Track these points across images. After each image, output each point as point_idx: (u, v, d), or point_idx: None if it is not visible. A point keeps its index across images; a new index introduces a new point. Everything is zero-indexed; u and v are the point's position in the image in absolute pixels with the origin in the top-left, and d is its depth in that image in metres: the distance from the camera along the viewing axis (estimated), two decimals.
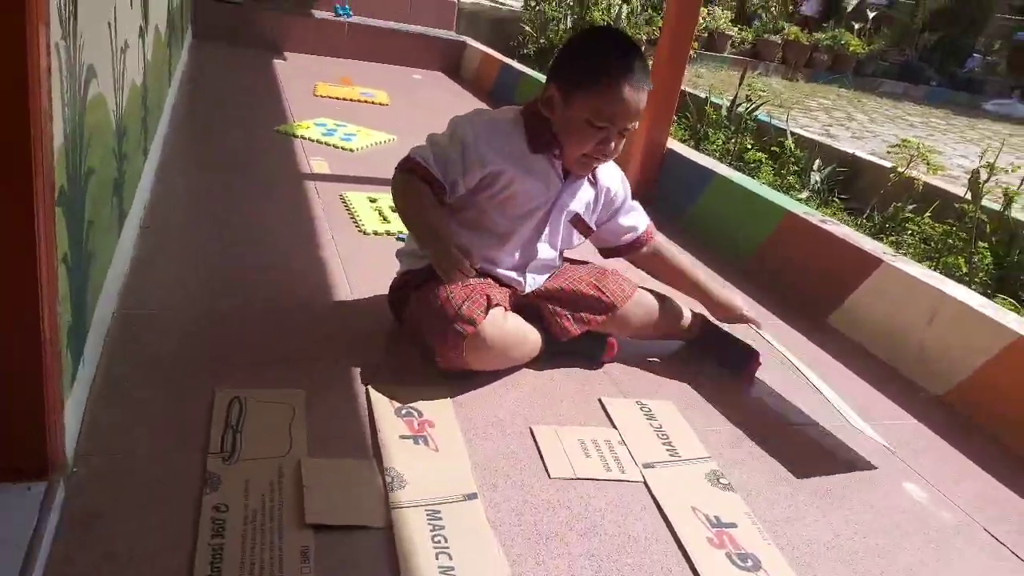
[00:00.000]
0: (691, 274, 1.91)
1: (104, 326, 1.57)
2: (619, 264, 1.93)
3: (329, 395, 1.50)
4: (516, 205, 1.67)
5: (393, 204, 1.70)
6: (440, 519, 1.21)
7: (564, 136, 1.62)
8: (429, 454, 1.37)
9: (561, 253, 1.83)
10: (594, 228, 1.82)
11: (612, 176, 1.82)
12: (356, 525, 1.18)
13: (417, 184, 1.60)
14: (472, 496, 1.29)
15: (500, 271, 1.72)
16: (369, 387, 1.53)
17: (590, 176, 1.75)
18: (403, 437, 1.40)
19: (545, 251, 1.76)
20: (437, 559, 1.14)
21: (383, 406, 1.48)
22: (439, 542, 1.17)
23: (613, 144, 1.60)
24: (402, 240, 2.19)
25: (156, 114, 2.70)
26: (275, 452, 1.31)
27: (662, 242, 1.92)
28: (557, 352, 1.74)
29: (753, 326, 1.89)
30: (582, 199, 1.76)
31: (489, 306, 1.58)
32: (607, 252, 1.92)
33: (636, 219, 1.87)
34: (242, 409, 1.40)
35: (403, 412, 1.47)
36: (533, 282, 1.76)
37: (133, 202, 2.03)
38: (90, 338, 1.42)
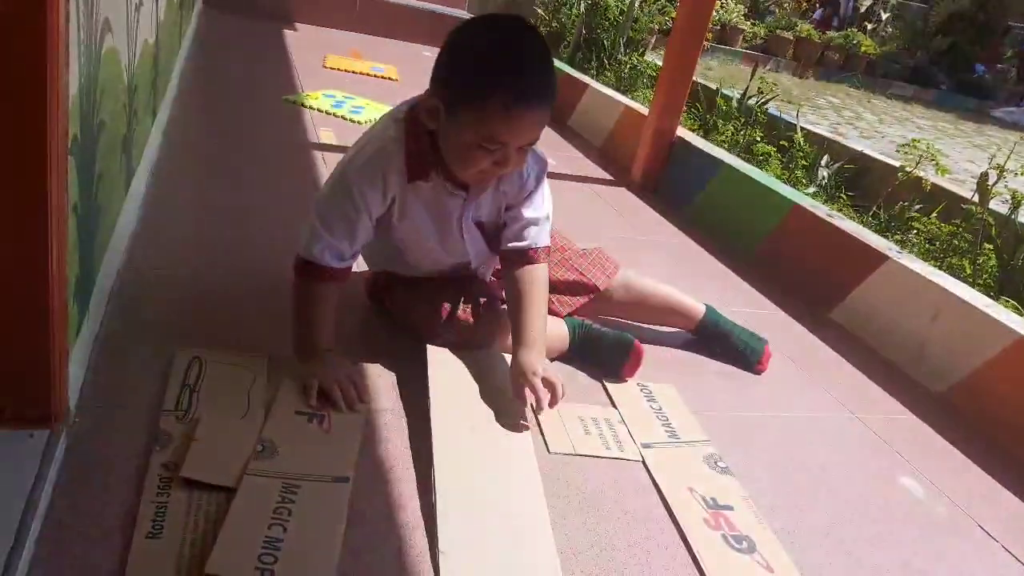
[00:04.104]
0: (526, 314, 1.51)
1: (110, 282, 1.56)
2: (603, 245, 1.87)
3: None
4: (417, 237, 1.53)
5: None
6: (294, 493, 1.13)
7: (450, 154, 1.38)
8: (317, 434, 1.29)
9: (502, 241, 1.59)
10: (499, 236, 1.58)
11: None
12: (217, 485, 1.12)
13: (319, 294, 1.43)
14: (342, 479, 1.19)
15: (448, 271, 1.63)
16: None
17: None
18: (299, 413, 1.33)
19: (477, 256, 1.61)
20: (269, 529, 1.06)
21: (290, 381, 1.40)
22: (280, 514, 1.09)
23: (513, 160, 1.36)
24: None
25: (166, 76, 2.69)
26: (230, 415, 1.28)
27: (538, 271, 1.55)
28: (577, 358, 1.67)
29: (531, 405, 1.47)
30: (492, 203, 1.55)
31: (479, 307, 1.56)
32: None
33: (530, 231, 1.55)
34: (201, 369, 1.37)
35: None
36: (485, 272, 1.69)
37: (141, 161, 2.02)
38: (95, 292, 1.42)
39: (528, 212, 1.54)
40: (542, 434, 1.43)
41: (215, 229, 1.97)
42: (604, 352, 1.67)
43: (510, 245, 1.55)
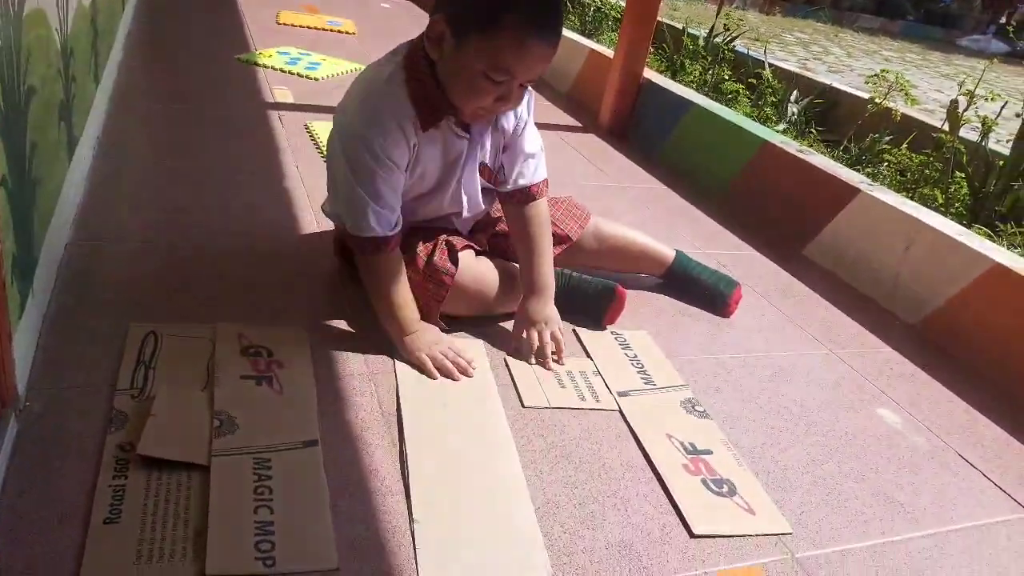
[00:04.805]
0: (535, 258, 1.54)
1: (56, 256, 1.50)
2: (573, 193, 1.83)
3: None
4: (420, 185, 1.48)
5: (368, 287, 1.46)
6: (268, 468, 1.09)
7: (453, 86, 1.32)
8: (270, 397, 1.25)
9: (492, 193, 1.61)
10: (501, 177, 1.55)
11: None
12: (183, 462, 1.08)
13: (394, 267, 1.41)
14: (312, 443, 1.16)
15: (426, 224, 1.57)
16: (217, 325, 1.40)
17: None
18: (244, 377, 1.28)
19: (471, 206, 1.56)
20: (256, 513, 1.02)
21: (229, 342, 1.36)
22: (262, 494, 1.05)
23: (514, 96, 1.33)
24: None
25: (108, 38, 2.57)
26: (189, 388, 1.23)
27: (541, 206, 1.58)
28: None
29: (533, 358, 1.49)
30: (491, 146, 1.52)
31: (455, 252, 1.50)
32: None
33: (530, 165, 1.55)
34: (157, 344, 1.32)
35: (251, 351, 1.35)
36: (466, 227, 1.64)
37: (85, 129, 1.93)
38: (40, 268, 1.35)
39: (527, 146, 1.53)
40: (516, 389, 1.40)
41: (168, 197, 1.90)
42: (588, 299, 1.65)
43: (512, 185, 1.54)
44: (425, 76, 1.34)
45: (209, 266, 1.62)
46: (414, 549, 1.03)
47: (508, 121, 1.49)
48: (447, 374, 1.39)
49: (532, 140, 1.55)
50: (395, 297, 1.41)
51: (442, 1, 1.30)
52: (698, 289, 1.83)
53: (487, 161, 1.53)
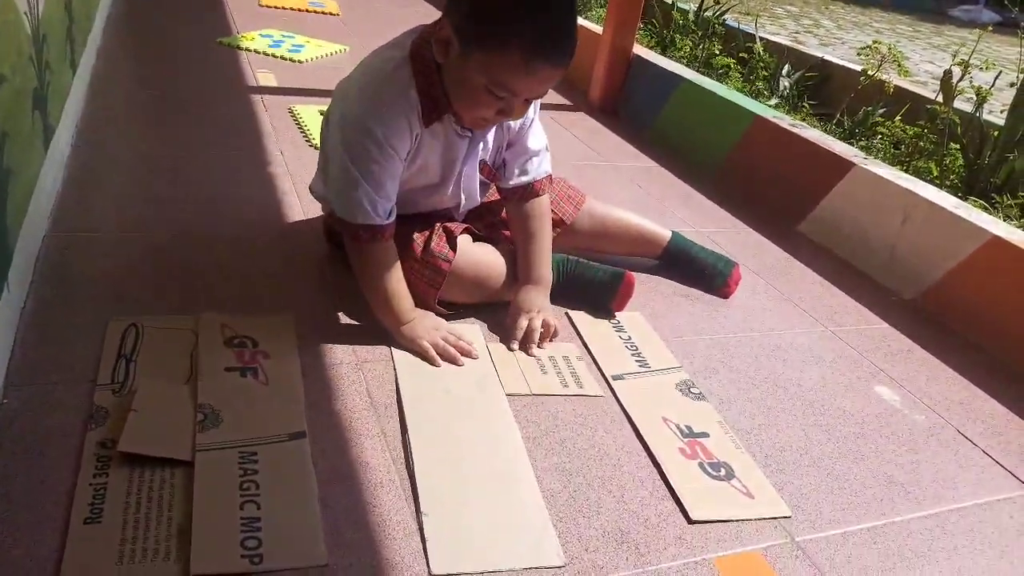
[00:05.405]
0: (534, 251, 1.54)
1: (34, 249, 1.46)
2: (565, 173, 1.80)
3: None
4: (422, 178, 1.46)
5: (359, 278, 1.42)
6: (255, 462, 1.06)
7: (456, 93, 1.30)
8: (255, 389, 1.22)
9: (488, 184, 1.60)
10: (501, 175, 1.55)
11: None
12: (166, 458, 1.05)
13: (391, 256, 1.38)
14: (299, 435, 1.13)
15: (425, 211, 1.54)
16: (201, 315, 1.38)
17: None
18: (228, 369, 1.25)
19: (467, 201, 1.56)
20: (242, 509, 0.99)
21: (213, 333, 1.33)
22: (248, 489, 1.02)
23: (517, 111, 1.30)
24: None
25: (85, 23, 2.50)
26: (171, 381, 1.20)
27: (543, 203, 1.57)
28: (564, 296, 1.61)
29: (527, 344, 1.46)
30: (492, 144, 1.51)
31: (453, 238, 1.47)
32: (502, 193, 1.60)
33: (533, 162, 1.54)
34: (138, 337, 1.28)
35: (235, 342, 1.32)
36: (460, 217, 1.61)
37: (62, 117, 1.88)
38: (16, 261, 1.31)
39: (531, 143, 1.52)
40: (497, 376, 1.37)
41: (149, 185, 1.85)
42: (595, 285, 1.61)
43: (514, 181, 1.53)
44: (431, 72, 1.30)
45: (192, 255, 1.58)
46: (423, 542, 1.00)
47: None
48: (450, 359, 1.37)
49: (537, 137, 1.52)
50: (391, 286, 1.38)
51: (451, 7, 1.25)
52: (696, 269, 1.80)
53: (487, 159, 1.51)
